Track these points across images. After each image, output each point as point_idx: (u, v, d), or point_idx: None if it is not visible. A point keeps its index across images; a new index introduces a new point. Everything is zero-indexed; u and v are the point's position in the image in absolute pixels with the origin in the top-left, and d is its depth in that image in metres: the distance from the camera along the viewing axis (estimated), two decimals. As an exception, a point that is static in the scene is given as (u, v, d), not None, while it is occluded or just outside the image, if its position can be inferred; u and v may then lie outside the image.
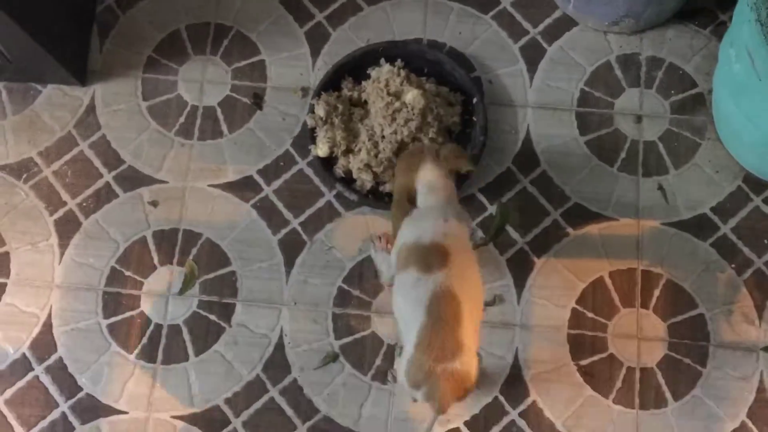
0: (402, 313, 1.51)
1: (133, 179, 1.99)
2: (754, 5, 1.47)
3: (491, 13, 2.09)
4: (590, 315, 1.87)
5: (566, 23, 2.07)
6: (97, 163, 2.00)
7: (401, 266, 1.52)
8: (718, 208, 1.93)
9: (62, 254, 1.94)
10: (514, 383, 1.83)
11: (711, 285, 1.87)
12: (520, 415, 1.81)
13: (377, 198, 1.92)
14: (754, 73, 1.56)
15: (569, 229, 1.92)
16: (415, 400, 1.47)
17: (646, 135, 1.99)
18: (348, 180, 1.94)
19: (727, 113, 1.86)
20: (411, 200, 1.60)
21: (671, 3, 1.94)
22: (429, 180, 1.58)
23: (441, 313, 1.42)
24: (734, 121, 1.82)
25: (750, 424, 1.79)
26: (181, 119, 2.04)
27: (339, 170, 1.94)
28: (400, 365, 1.48)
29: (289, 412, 1.82)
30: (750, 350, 1.83)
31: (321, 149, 1.93)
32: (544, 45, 2.06)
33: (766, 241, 1.90)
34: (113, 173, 2.00)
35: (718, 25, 2.05)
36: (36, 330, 1.89)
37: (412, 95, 1.91)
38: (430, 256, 1.47)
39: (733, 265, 1.88)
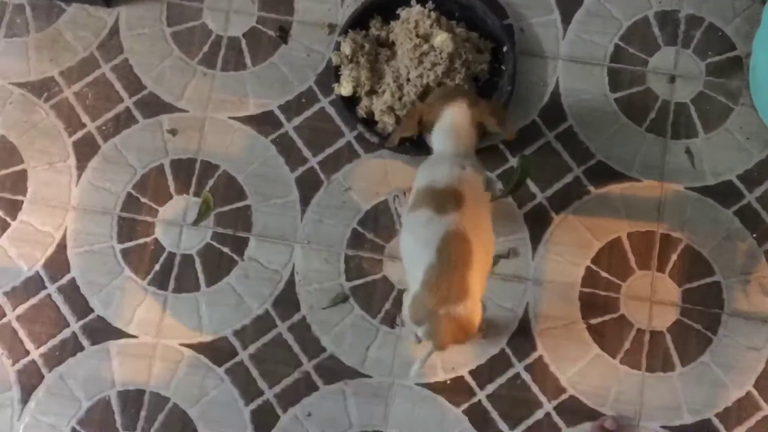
0: (410, 251, 1.50)
1: (154, 106, 1.97)
2: (806, -36, 1.41)
3: (529, -41, 2.02)
4: (604, 275, 1.85)
5: (606, -26, 2.01)
6: (119, 87, 1.98)
7: (414, 207, 1.51)
8: (745, 176, 1.88)
9: (79, 176, 1.94)
10: (522, 337, 1.82)
11: (730, 253, 1.85)
12: (526, 368, 1.81)
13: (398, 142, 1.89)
14: (798, 37, 1.50)
15: (590, 187, 1.89)
16: (418, 341, 1.48)
17: (678, 96, 1.94)
18: (370, 122, 1.91)
19: (764, 79, 1.81)
20: (422, 126, 1.58)
21: (717, -40, 1.87)
22: (455, 122, 1.55)
23: (451, 255, 1.41)
24: (771, 86, 1.77)
25: (755, 393, 1.78)
26: (205, 48, 2.00)
27: (361, 111, 1.90)
28: (405, 299, 1.48)
29: (296, 348, 1.83)
30: (764, 321, 1.81)
31: (344, 88, 1.89)
32: (582, -5, 2.00)
33: (790, 213, 1.86)
34: (134, 98, 1.98)
35: (763, -14, 1.97)
36: (50, 249, 1.90)
37: (441, 38, 1.86)
38: (445, 198, 1.46)
39: (754, 235, 1.85)
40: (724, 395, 1.78)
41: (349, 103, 1.91)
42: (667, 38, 1.97)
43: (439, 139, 1.57)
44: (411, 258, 1.50)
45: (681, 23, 1.97)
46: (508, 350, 1.82)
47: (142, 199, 1.92)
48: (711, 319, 1.82)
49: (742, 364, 1.80)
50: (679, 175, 1.89)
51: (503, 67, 1.93)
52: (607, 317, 1.83)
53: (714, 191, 1.88)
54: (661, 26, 1.97)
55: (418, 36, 1.89)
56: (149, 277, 1.88)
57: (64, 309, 1.87)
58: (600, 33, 1.97)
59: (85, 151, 1.95)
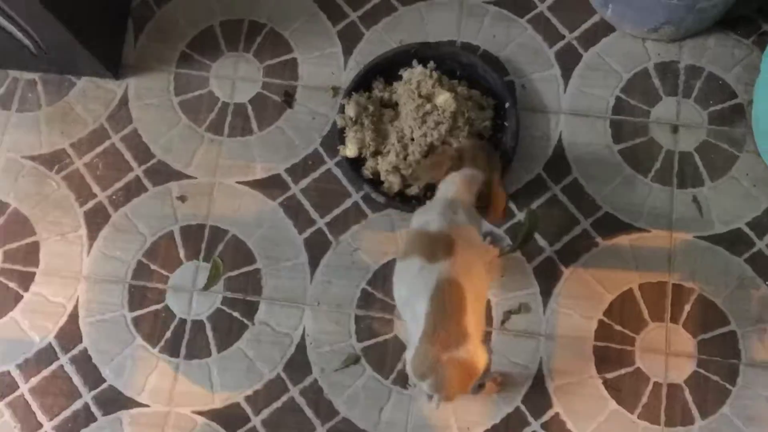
0: (405, 302, 1.50)
1: (163, 174, 2.00)
2: (800, 16, 1.43)
3: (527, 17, 2.05)
4: (618, 327, 1.83)
5: (603, 29, 2.03)
6: (128, 156, 2.02)
7: (405, 252, 1.51)
8: (754, 223, 1.88)
9: (91, 246, 1.96)
10: (537, 393, 1.80)
11: (744, 302, 1.83)
12: (542, 426, 1.78)
13: (404, 201, 1.90)
14: (797, 86, 1.51)
15: (599, 239, 1.89)
16: (430, 398, 1.47)
17: (682, 145, 1.94)
18: (376, 182, 1.93)
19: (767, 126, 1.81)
20: (446, 173, 1.59)
21: (712, 11, 1.89)
22: (465, 185, 1.56)
23: (445, 302, 1.40)
24: (774, 134, 1.78)
25: (779, 446, 1.74)
26: (212, 115, 2.04)
27: (367, 172, 1.92)
28: (407, 356, 1.47)
29: (309, 412, 1.82)
30: (782, 371, 1.78)
31: (350, 149, 1.92)
32: (580, 50, 2.02)
33: (803, 259, 1.84)
34: (143, 167, 2.01)
35: (760, 35, 1.99)
36: (62, 320, 1.91)
37: (443, 98, 1.89)
38: (436, 245, 1.46)
39: (767, 283, 1.83)
40: (747, 448, 1.74)
41: (355, 164, 1.93)
42: (667, 89, 1.98)
43: (447, 186, 1.57)
44: (407, 310, 1.49)
45: (681, 73, 1.99)
46: (523, 408, 1.79)
47: (153, 267, 1.94)
48: (728, 369, 1.79)
49: (763, 414, 1.76)
50: (687, 224, 1.89)
51: (506, 124, 1.95)
52: (622, 371, 1.81)
53: (724, 239, 1.87)
54: (661, 77, 1.99)
55: (420, 96, 1.92)
56: (160, 344, 1.88)
57: (76, 379, 1.87)
58: (601, 86, 1.99)
59: (96, 220, 1.97)
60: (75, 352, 1.89)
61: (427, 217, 1.52)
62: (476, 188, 1.56)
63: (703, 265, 1.85)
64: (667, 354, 1.81)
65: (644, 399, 1.78)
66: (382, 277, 1.89)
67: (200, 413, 1.83)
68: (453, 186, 1.56)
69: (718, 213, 1.89)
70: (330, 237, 1.93)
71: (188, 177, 1.99)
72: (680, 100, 1.98)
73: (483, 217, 1.60)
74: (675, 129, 1.96)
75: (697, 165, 1.93)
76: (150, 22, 2.12)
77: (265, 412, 1.82)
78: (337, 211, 1.95)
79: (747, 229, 1.87)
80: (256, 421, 1.82)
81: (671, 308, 1.83)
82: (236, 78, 2.07)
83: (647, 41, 2.01)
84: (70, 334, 1.90)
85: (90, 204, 1.99)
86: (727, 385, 1.78)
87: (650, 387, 1.79)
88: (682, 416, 1.77)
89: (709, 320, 1.82)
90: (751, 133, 1.93)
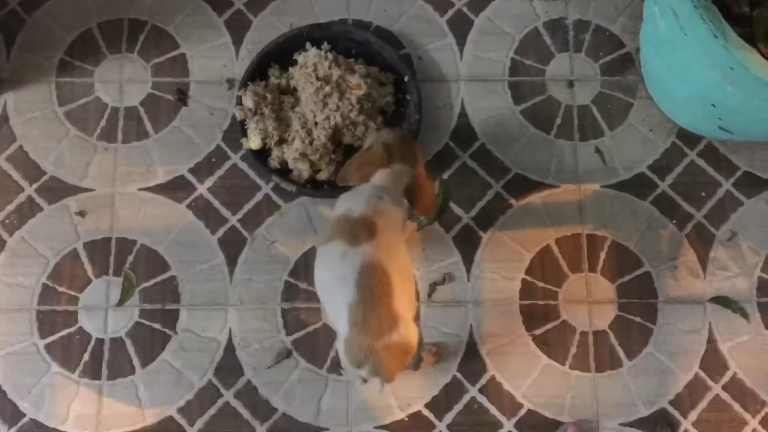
0: (329, 289, 1.47)
1: (57, 190, 1.89)
2: (674, -40, 1.47)
3: (415, -12, 2.05)
4: (540, 284, 1.86)
5: (491, -8, 2.05)
6: (17, 176, 1.89)
7: (328, 238, 1.48)
8: (655, 166, 1.94)
9: (-12, 276, 1.84)
10: (471, 360, 1.81)
11: (654, 243, 1.89)
12: (480, 390, 1.80)
13: (315, 187, 1.87)
14: (679, 29, 1.56)
15: (512, 201, 1.91)
16: (364, 382, 1.45)
17: (579, 99, 1.99)
18: (284, 171, 1.88)
19: (656, 71, 1.87)
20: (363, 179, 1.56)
21: (593, -36, 1.94)
22: (391, 180, 1.54)
23: (372, 287, 1.39)
24: (663, 78, 1.84)
25: (703, 374, 1.82)
26: (102, 122, 1.94)
27: (274, 162, 1.88)
28: (339, 346, 1.45)
29: (246, 414, 1.77)
30: (697, 303, 1.86)
31: (253, 141, 1.86)
32: (471, 16, 2.03)
33: (703, 194, 1.92)
34: (35, 185, 1.89)
35: (640, -17, 2.06)
36: (-32, 358, 1.79)
37: (355, 82, 1.86)
38: (358, 228, 1.44)
39: (674, 221, 1.91)
40: (673, 382, 1.81)
41: (261, 156, 1.88)
42: (559, 46, 2.02)
43: (375, 177, 1.55)
44: (331, 297, 1.46)
45: (569, 29, 2.03)
46: (459, 376, 1.81)
47: (60, 289, 1.83)
48: (648, 309, 1.86)
49: (685, 348, 1.84)
50: (593, 175, 1.94)
51: (408, 97, 1.94)
52: (549, 325, 1.84)
53: (629, 185, 1.93)
54: (551, 35, 2.02)
55: (318, 79, 1.88)
56: (79, 368, 1.79)
57: (-8, 419, 1.76)
58: (495, 50, 2.01)
59: (-9, 248, 1.85)
60: (-14, 390, 1.77)
61: (352, 203, 1.50)
62: (404, 183, 1.54)
63: (613, 212, 1.91)
64: (590, 303, 1.86)
65: (573, 349, 1.83)
66: (304, 266, 1.85)
67: (132, 433, 1.76)
68: (381, 180, 1.54)
69: (620, 160, 1.94)
70: (245, 233, 1.87)
71: (85, 190, 1.89)
72: (572, 56, 2.02)
73: (412, 209, 1.59)
74: (570, 84, 2.00)
75: (596, 116, 1.98)
76: (21, 32, 1.99)
77: (201, 422, 1.77)
78: (248, 206, 1.89)
79: (649, 173, 1.94)
80: (192, 431, 1.76)
81: (588, 258, 1.88)
82: (123, 80, 1.97)
83: (534, 1, 2.04)
84: (-22, 372, 1.78)
85: (-19, 232, 1.86)
86: (649, 324, 1.85)
87: (577, 337, 1.84)
88: (611, 360, 1.83)
89: (624, 265, 1.88)
90: (642, 80, 1.99)
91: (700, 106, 1.71)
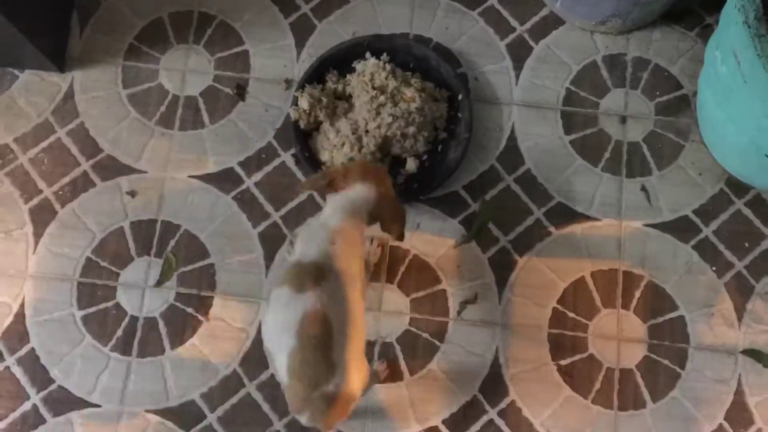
0: (273, 337, 1.42)
1: (112, 168, 1.95)
2: (741, 7, 1.47)
3: (478, 10, 2.07)
4: (571, 315, 1.86)
5: (553, 21, 2.06)
6: (75, 151, 1.96)
7: (279, 282, 1.44)
8: (700, 211, 1.93)
9: (36, 243, 1.90)
10: (494, 382, 1.82)
11: (692, 287, 1.87)
12: (499, 414, 1.80)
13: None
14: (739, 75, 1.55)
15: (552, 229, 1.91)
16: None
17: (630, 136, 1.99)
18: (330, 174, 1.91)
19: (712, 115, 1.86)
20: (330, 187, 1.51)
21: (658, 4, 1.94)
22: (353, 202, 1.49)
23: (308, 336, 1.35)
24: (718, 123, 1.83)
25: (727, 426, 1.79)
26: (162, 108, 2.00)
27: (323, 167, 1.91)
28: (282, 387, 1.42)
29: (266, 407, 1.80)
30: (729, 353, 1.83)
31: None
32: (531, 43, 2.05)
33: (746, 245, 1.90)
34: (91, 162, 1.96)
35: (704, 27, 2.05)
36: (8, 320, 1.85)
37: (410, 95, 1.89)
38: (304, 275, 1.40)
39: (714, 268, 1.89)
40: (696, 429, 1.79)
41: (303, 138, 1.92)
42: (616, 80, 2.02)
43: (334, 205, 1.50)
44: (273, 343, 1.42)
45: (628, 65, 2.03)
46: (480, 397, 1.81)
47: (102, 263, 1.89)
48: (678, 353, 1.83)
49: (712, 396, 1.81)
50: (636, 213, 1.93)
51: (460, 115, 1.96)
52: (576, 357, 1.84)
53: (672, 227, 1.92)
54: (609, 69, 2.03)
55: (374, 88, 1.91)
56: (111, 342, 1.84)
57: (24, 381, 1.81)
58: (551, 78, 2.02)
59: (42, 217, 1.91)
60: (22, 352, 1.83)
61: (306, 246, 1.45)
62: (365, 208, 1.49)
63: (652, 252, 1.90)
64: (619, 340, 1.85)
65: (597, 384, 1.82)
66: (338, 269, 1.87)
67: (154, 412, 1.80)
68: (337, 210, 1.49)
69: (665, 201, 1.93)
70: (285, 230, 1.91)
71: (138, 171, 1.95)
72: (628, 92, 2.02)
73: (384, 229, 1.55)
74: (623, 120, 2.00)
75: (645, 155, 1.97)
76: (96, 14, 2.07)
77: (221, 409, 1.80)
78: (291, 205, 1.93)
79: (693, 217, 1.92)
80: (212, 418, 1.79)
81: (622, 295, 1.87)
82: (186, 70, 2.03)
83: (596, 34, 2.05)
84: (16, 334, 1.84)
85: (35, 200, 1.93)
86: (677, 369, 1.82)
87: (603, 372, 1.82)
88: (635, 400, 1.81)
89: (658, 306, 1.86)
90: (696, 124, 1.98)
91: (752, 155, 1.70)
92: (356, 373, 1.39)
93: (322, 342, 1.35)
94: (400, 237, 1.57)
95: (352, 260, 1.47)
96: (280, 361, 1.38)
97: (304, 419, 1.39)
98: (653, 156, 1.97)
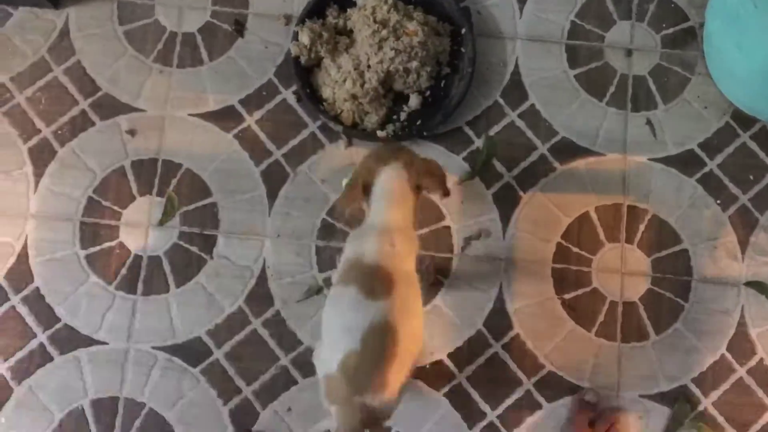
0: (333, 327, 1.39)
1: (110, 107, 1.92)
2: (753, -71, 1.43)
3: (481, -59, 2.02)
4: (575, 250, 1.86)
5: (558, -47, 2.02)
6: (72, 89, 1.93)
7: (343, 280, 1.40)
8: (705, 144, 1.91)
9: (37, 183, 1.88)
10: (498, 316, 1.83)
11: (696, 220, 1.87)
12: (503, 347, 1.81)
13: (362, 129, 1.88)
14: (749, 1, 1.52)
15: (556, 164, 1.90)
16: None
17: (635, 69, 1.96)
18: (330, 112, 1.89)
19: (719, 46, 1.84)
20: (366, 192, 1.46)
21: (666, -67, 1.89)
22: (389, 188, 1.44)
23: (375, 347, 1.31)
24: (726, 53, 1.80)
25: (729, 356, 1.81)
26: (159, 46, 1.96)
27: (324, 105, 1.89)
28: (319, 365, 1.42)
29: (272, 343, 1.81)
30: (732, 285, 1.84)
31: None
32: (535, -25, 2.00)
33: (751, 177, 1.89)
34: (89, 100, 1.93)
35: (712, -43, 2.00)
36: (11, 260, 1.84)
37: (412, 28, 1.85)
38: (374, 281, 1.36)
39: (718, 201, 1.88)
40: (698, 360, 1.81)
41: (312, 95, 1.89)
42: (621, 13, 1.99)
43: (374, 205, 1.45)
44: (332, 333, 1.39)
45: (634, -3, 2.00)
46: (484, 330, 1.82)
47: (104, 203, 1.88)
48: (681, 286, 1.84)
49: (714, 328, 1.83)
50: (641, 147, 1.91)
51: (463, 50, 1.93)
52: (580, 291, 1.84)
53: (676, 161, 1.90)
54: (615, 1, 1.99)
55: (376, 22, 1.88)
56: (116, 281, 1.84)
57: (30, 320, 1.82)
58: (555, 11, 1.99)
59: (42, 157, 1.89)
60: (27, 292, 1.83)
61: (363, 246, 1.41)
62: (405, 186, 1.45)
63: (657, 186, 1.89)
64: (623, 273, 1.85)
65: (601, 317, 1.83)
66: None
67: (161, 348, 1.81)
68: (383, 207, 1.44)
69: (670, 135, 1.92)
70: (287, 168, 1.89)
71: (137, 110, 1.92)
72: (634, 24, 1.98)
73: (435, 194, 1.51)
74: (629, 53, 1.97)
75: (651, 88, 1.95)
76: (89, -52, 2.02)
77: (228, 345, 1.81)
78: (293, 142, 1.91)
79: (698, 150, 1.91)
80: (218, 354, 1.80)
81: (626, 229, 1.87)
82: (183, 6, 1.99)
83: (601, -35, 2.01)
84: (20, 274, 1.84)
85: (34, 140, 1.91)
86: (680, 301, 1.83)
87: (606, 306, 1.83)
88: (638, 332, 1.82)
89: (662, 239, 1.86)
90: (702, 56, 1.95)
91: (761, 84, 1.68)
92: (395, 399, 1.36)
93: (387, 356, 1.31)
94: (447, 193, 1.50)
95: (411, 258, 1.43)
96: (332, 353, 1.34)
97: (332, 411, 1.36)
98: (659, 90, 1.95)
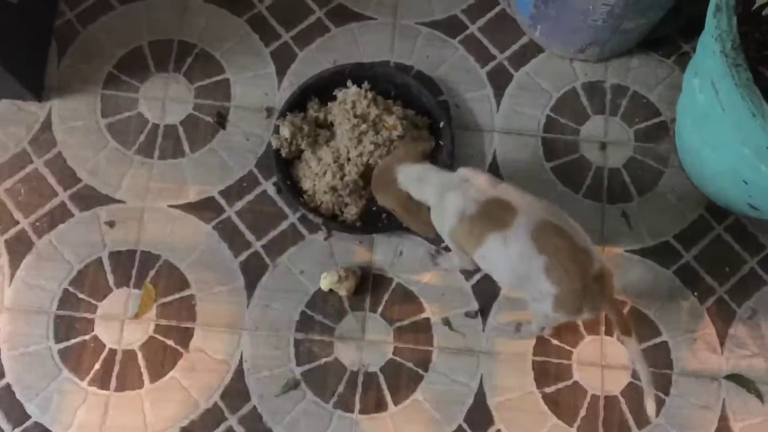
0: (513, 279, 1.51)
1: (90, 198, 1.92)
2: (718, 36, 1.49)
3: (458, 38, 2.08)
4: (555, 342, 1.85)
5: (533, 49, 2.08)
6: (52, 181, 1.94)
7: (476, 242, 1.48)
8: (681, 236, 1.94)
9: (12, 275, 1.86)
10: (479, 411, 1.80)
11: (674, 313, 1.88)
12: (485, 443, 1.78)
13: (342, 222, 1.89)
14: (717, 104, 1.57)
15: (535, 255, 1.91)
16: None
17: (610, 162, 2.00)
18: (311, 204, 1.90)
19: (690, 142, 1.88)
20: (410, 200, 1.59)
21: (635, 32, 1.96)
22: (412, 176, 1.58)
23: (547, 242, 1.42)
24: (696, 150, 1.84)
25: (712, 452, 1.79)
26: (142, 138, 1.98)
27: (305, 196, 1.90)
28: (537, 309, 1.55)
29: (248, 441, 1.77)
30: (713, 378, 1.84)
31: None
32: (511, 70, 2.06)
33: (727, 269, 1.91)
34: (69, 192, 1.93)
35: (681, 54, 2.08)
36: (-18, 355, 1.81)
37: (392, 124, 1.89)
38: (492, 213, 1.46)
39: (695, 293, 1.89)
40: (681, 456, 1.79)
41: (293, 187, 1.91)
42: (595, 107, 2.04)
43: (424, 189, 1.57)
44: (522, 281, 1.49)
45: (607, 93, 2.05)
46: (465, 426, 1.79)
47: (80, 295, 1.85)
48: (662, 380, 1.83)
49: (697, 423, 1.81)
50: (618, 239, 1.93)
51: (441, 142, 1.96)
52: (561, 385, 1.83)
53: (653, 252, 1.92)
54: (589, 97, 2.05)
55: (355, 116, 1.91)
56: (89, 376, 1.80)
57: (-1, 417, 1.77)
58: (531, 105, 2.04)
59: (19, 248, 1.88)
60: (-4, 388, 1.79)
61: (456, 206, 1.49)
62: (415, 161, 1.61)
63: (635, 277, 1.90)
64: (603, 366, 1.84)
65: (582, 412, 1.81)
66: (321, 298, 1.86)
67: (133, 447, 1.76)
68: (419, 178, 1.57)
69: (646, 227, 1.94)
70: (267, 260, 1.89)
71: (117, 201, 1.93)
72: (607, 119, 2.04)
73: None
74: (603, 146, 2.01)
75: (626, 181, 1.98)
76: (74, 43, 2.05)
77: (202, 443, 1.77)
78: (273, 233, 1.91)
79: (674, 242, 1.93)
80: (192, 452, 1.76)
81: (605, 321, 1.87)
82: (166, 99, 2.02)
83: (575, 62, 2.07)
84: (-10, 369, 1.80)
85: (12, 231, 1.90)
86: (662, 395, 1.82)
87: (588, 400, 1.82)
88: (619, 427, 1.80)
89: (642, 331, 1.86)
90: (674, 150, 2.00)
91: (731, 182, 1.72)
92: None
93: (562, 236, 1.42)
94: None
95: (488, 177, 1.54)
96: (540, 284, 1.44)
97: (585, 315, 1.46)
98: (633, 182, 1.98)
